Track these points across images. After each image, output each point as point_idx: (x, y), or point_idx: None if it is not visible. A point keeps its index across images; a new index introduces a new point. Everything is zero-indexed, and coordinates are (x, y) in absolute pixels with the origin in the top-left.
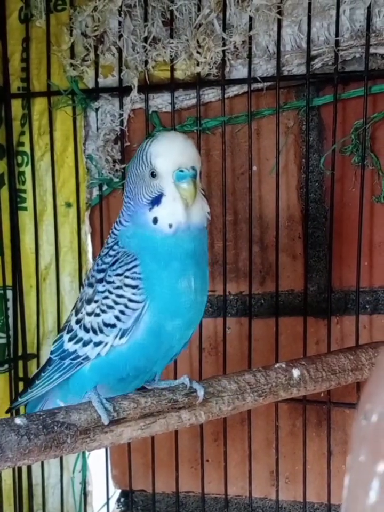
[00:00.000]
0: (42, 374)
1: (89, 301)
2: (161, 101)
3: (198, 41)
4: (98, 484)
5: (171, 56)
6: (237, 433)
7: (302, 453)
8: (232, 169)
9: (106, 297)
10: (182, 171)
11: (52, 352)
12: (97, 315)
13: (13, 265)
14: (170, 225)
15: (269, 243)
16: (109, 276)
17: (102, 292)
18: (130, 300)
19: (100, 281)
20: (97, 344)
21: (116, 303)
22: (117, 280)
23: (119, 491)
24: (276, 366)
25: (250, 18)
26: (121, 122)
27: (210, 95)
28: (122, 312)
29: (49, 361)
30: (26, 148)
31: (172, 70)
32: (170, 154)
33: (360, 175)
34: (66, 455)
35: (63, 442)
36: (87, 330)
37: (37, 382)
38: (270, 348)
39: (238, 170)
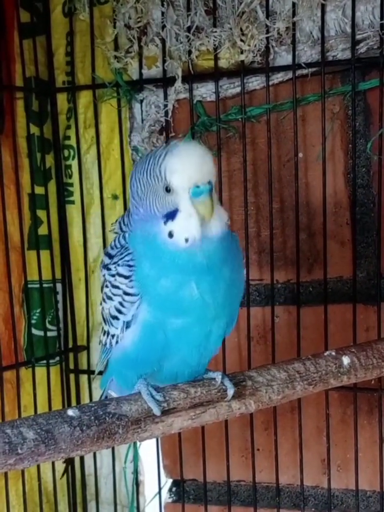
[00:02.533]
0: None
1: (101, 288)
2: (205, 91)
3: (241, 29)
4: (149, 473)
5: (214, 45)
6: (287, 421)
7: (354, 441)
8: (278, 156)
9: (106, 286)
10: (198, 187)
11: None
12: (105, 302)
13: (61, 259)
14: (186, 240)
15: (316, 230)
16: (112, 264)
17: (106, 280)
18: (125, 293)
19: (105, 267)
20: (112, 335)
21: (114, 294)
22: (113, 267)
23: (170, 481)
24: (325, 354)
25: (294, 4)
26: (166, 113)
27: (255, 82)
28: (121, 304)
29: None
30: (73, 142)
31: (216, 58)
32: (186, 170)
33: None
34: (118, 446)
35: (115, 433)
36: (105, 320)
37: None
38: (319, 335)
39: (284, 158)
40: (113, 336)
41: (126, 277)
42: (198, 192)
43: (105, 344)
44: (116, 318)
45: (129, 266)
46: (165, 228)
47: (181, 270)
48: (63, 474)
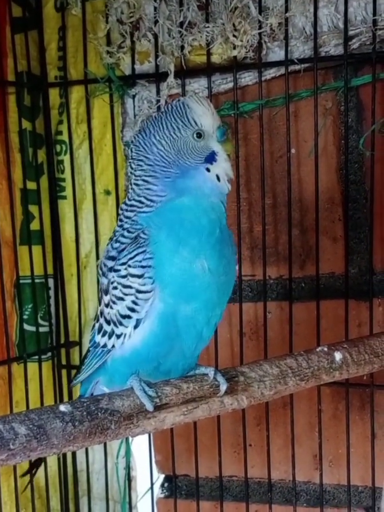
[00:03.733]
0: (85, 360)
1: (106, 292)
2: (198, 86)
3: (234, 25)
4: (142, 469)
5: (207, 40)
6: (280, 417)
7: (345, 436)
8: (270, 152)
9: (115, 288)
10: (220, 127)
11: (89, 341)
12: (114, 304)
13: (53, 254)
14: (229, 181)
15: (308, 226)
16: (118, 265)
17: (112, 282)
18: (138, 291)
19: (110, 270)
20: (118, 335)
21: (125, 294)
22: (123, 269)
23: (162, 476)
24: (317, 349)
25: None
26: (159, 108)
27: (247, 78)
28: (134, 302)
29: (89, 349)
30: (65, 137)
31: (208, 54)
32: (212, 112)
33: None
34: (110, 441)
35: (107, 428)
36: (108, 322)
37: (81, 367)
38: (312, 331)
39: (277, 153)
40: (118, 336)
41: (139, 276)
42: (223, 132)
43: (105, 345)
44: (127, 317)
45: (142, 266)
46: (209, 174)
47: (216, 216)
48: (25, 473)
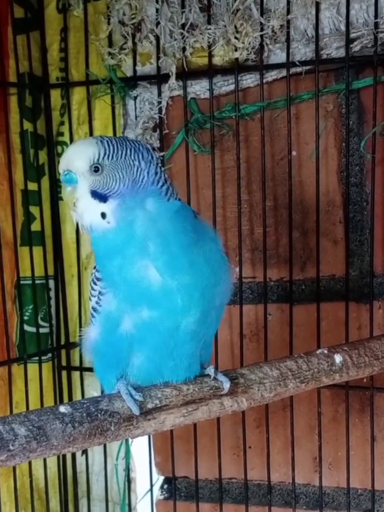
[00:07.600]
0: None
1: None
2: (199, 88)
3: (235, 27)
4: (141, 470)
5: (209, 42)
6: (279, 419)
7: (345, 439)
8: (271, 154)
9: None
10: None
11: None
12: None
13: (54, 255)
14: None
15: (309, 228)
16: None
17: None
18: (99, 292)
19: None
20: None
21: (93, 289)
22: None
23: (162, 478)
24: (317, 352)
25: (288, 2)
26: (160, 110)
27: (249, 80)
28: (97, 302)
29: None
30: (66, 138)
31: (210, 56)
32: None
33: None
34: (110, 443)
35: (107, 429)
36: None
37: None
38: (312, 333)
39: (278, 156)
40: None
41: (98, 278)
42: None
43: None
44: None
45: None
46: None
47: (108, 255)
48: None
